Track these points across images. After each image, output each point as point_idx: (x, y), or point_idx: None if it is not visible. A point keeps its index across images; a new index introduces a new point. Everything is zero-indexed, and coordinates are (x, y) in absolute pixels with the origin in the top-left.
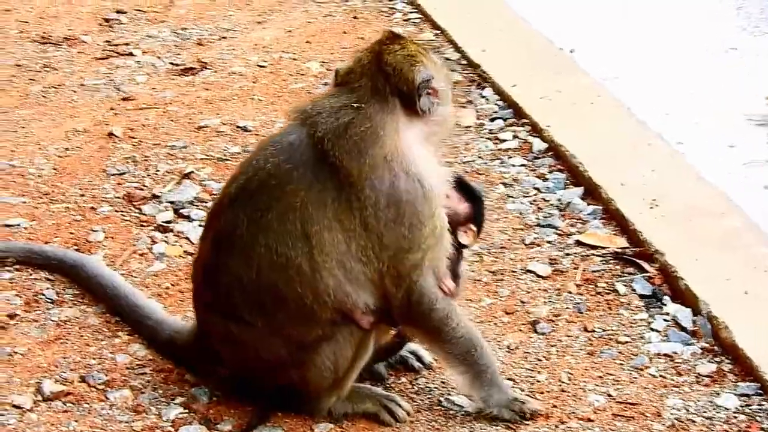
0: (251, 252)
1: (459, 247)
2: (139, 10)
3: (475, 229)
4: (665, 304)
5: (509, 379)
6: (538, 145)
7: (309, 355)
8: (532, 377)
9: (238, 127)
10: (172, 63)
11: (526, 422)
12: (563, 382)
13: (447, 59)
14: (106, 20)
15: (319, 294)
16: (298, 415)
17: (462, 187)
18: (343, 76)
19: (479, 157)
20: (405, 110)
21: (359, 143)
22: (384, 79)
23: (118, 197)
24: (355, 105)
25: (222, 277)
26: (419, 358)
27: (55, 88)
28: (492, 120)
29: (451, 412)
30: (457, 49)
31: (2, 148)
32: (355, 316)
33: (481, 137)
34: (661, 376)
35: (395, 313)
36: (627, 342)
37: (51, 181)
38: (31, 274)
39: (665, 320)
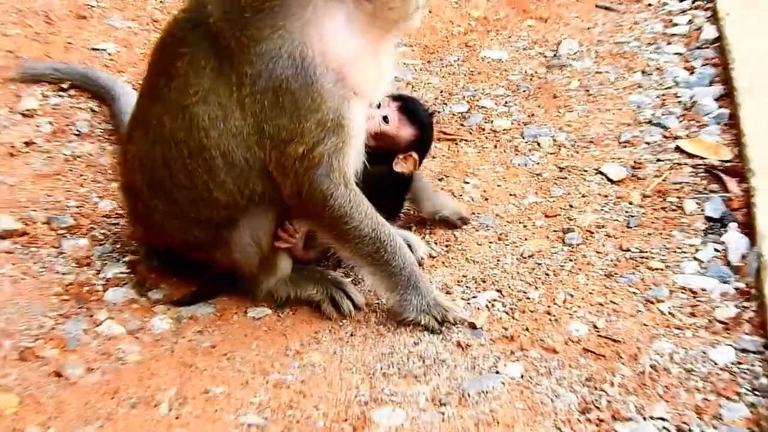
0: (148, 123)
1: (393, 174)
2: None
3: (416, 157)
4: (727, 232)
5: (497, 290)
6: (708, 34)
7: (227, 231)
8: (524, 293)
9: None
10: None
11: (450, 329)
12: (555, 305)
13: None
14: None
15: (214, 174)
16: (241, 296)
17: (408, 109)
18: None
19: (635, 39)
20: None
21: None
22: None
23: None
24: None
25: (130, 151)
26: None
27: None
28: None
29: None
30: None
31: None
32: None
33: (656, 17)
34: (669, 313)
35: (288, 205)
36: (657, 269)
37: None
38: (79, 103)
39: (716, 250)
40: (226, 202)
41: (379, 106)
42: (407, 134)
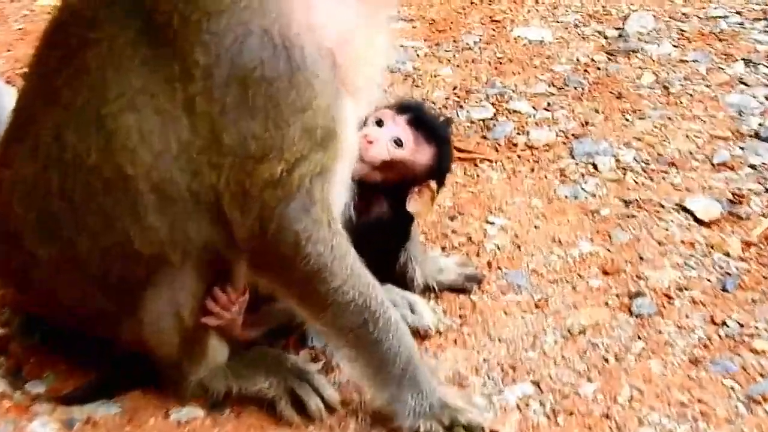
0: (38, 138)
1: (399, 217)
2: None
3: (434, 187)
4: None
5: (534, 382)
6: None
7: (137, 294)
8: (572, 385)
9: None
10: None
11: None
12: (617, 404)
13: None
14: None
15: (139, 216)
16: (161, 390)
17: (421, 122)
18: None
19: (736, 13)
20: None
21: None
22: None
23: None
24: None
25: (3, 177)
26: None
27: None
28: None
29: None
30: None
31: None
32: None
33: None
34: None
35: (243, 248)
36: (765, 352)
37: None
38: None
39: None
40: (150, 255)
41: (380, 123)
42: (425, 158)
